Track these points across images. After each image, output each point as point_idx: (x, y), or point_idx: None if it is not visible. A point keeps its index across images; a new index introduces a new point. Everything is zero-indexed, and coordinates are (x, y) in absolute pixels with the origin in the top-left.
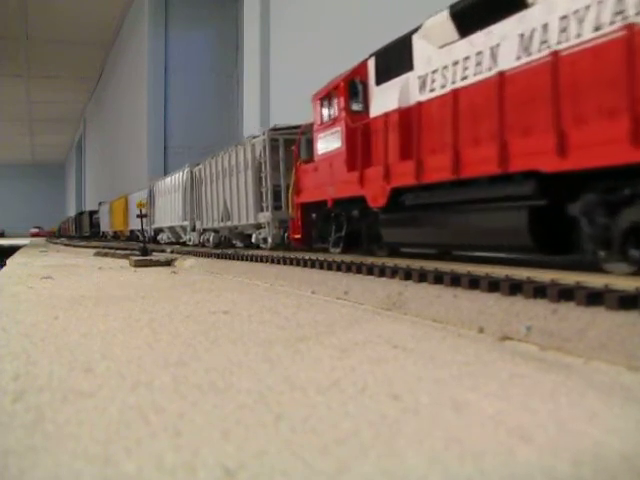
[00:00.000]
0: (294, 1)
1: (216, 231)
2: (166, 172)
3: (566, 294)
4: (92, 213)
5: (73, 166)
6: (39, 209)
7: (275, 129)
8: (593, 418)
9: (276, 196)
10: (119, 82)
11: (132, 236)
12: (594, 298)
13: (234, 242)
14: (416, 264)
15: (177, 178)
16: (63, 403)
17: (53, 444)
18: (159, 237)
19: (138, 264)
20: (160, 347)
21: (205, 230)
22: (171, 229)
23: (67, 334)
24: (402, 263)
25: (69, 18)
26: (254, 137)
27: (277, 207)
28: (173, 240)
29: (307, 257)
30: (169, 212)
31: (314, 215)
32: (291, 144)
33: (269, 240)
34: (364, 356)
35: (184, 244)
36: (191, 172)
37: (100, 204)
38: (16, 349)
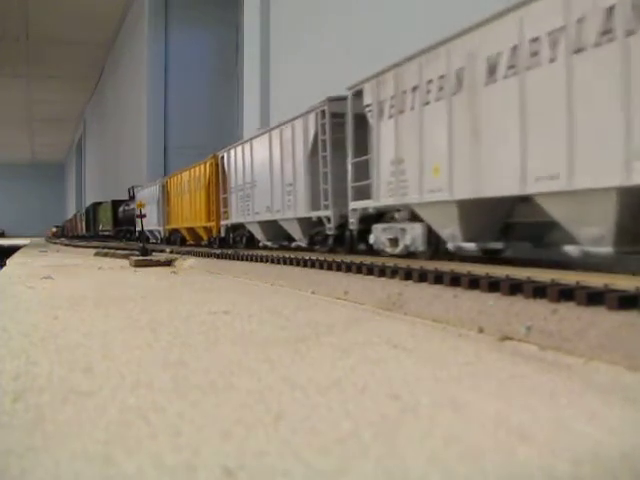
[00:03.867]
0: (294, 2)
1: None
2: (166, 172)
3: (566, 294)
4: (117, 204)
5: (73, 166)
6: (38, 209)
7: None
8: (593, 418)
9: None
10: (119, 82)
11: (234, 239)
12: (594, 298)
13: None
14: (416, 264)
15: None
16: (63, 403)
17: (53, 444)
18: (372, 240)
19: (138, 264)
20: (160, 347)
21: None
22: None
23: (67, 334)
24: (402, 263)
25: (69, 18)
26: None
27: None
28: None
29: (307, 257)
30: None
31: None
32: None
33: None
34: (364, 356)
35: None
36: None
37: (133, 189)
38: (16, 349)
